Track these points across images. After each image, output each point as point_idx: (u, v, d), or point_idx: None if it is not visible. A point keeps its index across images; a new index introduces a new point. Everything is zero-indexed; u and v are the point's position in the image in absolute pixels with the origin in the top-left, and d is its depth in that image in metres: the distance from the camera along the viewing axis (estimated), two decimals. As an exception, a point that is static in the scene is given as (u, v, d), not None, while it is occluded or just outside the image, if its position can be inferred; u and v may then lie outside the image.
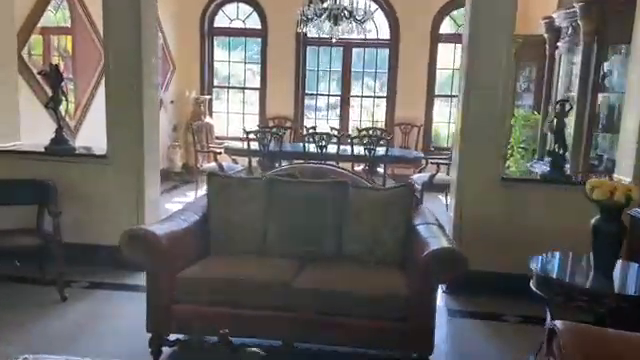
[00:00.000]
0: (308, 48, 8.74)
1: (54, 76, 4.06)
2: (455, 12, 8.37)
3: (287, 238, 3.22)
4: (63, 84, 4.14)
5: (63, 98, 4.16)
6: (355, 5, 6.07)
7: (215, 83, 9.10)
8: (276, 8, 8.44)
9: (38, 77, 4.97)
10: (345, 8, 6.04)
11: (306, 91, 8.90)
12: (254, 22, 8.80)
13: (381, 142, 5.99)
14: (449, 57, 8.60)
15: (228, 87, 9.21)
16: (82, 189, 4.13)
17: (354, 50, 8.73)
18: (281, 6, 8.37)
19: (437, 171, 6.18)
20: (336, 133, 6.59)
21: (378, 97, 8.89)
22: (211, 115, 8.76)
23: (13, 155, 4.20)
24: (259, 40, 8.85)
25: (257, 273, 2.92)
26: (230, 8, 8.87)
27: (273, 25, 8.57)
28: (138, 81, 4.04)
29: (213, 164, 6.64)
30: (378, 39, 8.55)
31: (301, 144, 6.44)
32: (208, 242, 3.27)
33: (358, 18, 6.02)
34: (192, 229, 3.18)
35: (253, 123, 9.27)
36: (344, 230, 3.20)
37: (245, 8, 8.80)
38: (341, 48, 8.74)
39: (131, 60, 4.01)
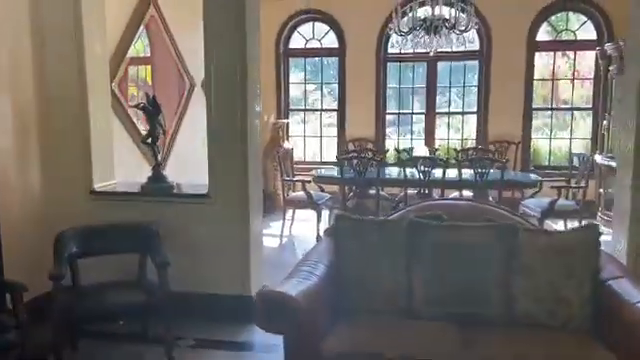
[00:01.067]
0: (389, 65, 8.20)
1: (152, 108, 3.70)
2: (553, 17, 7.62)
3: (439, 297, 2.64)
4: (160, 117, 3.78)
5: (161, 132, 3.80)
6: (456, 14, 5.49)
7: (291, 106, 8.72)
8: (354, 25, 8.00)
9: (129, 110, 4.67)
10: (445, 19, 5.47)
11: (387, 110, 8.35)
12: (331, 41, 8.39)
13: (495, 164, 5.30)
14: (548, 67, 7.85)
15: (305, 109, 8.81)
16: (183, 232, 3.72)
17: (439, 64, 8.12)
18: (359, 22, 7.94)
19: (558, 196, 5.42)
20: (442, 156, 5.98)
21: (467, 113, 8.21)
22: (288, 140, 8.36)
23: (110, 196, 3.86)
24: (336, 60, 8.42)
25: (410, 346, 2.35)
26: (305, 28, 8.51)
27: (351, 43, 8.12)
28: (242, 110, 3.62)
29: (301, 193, 6.17)
30: (466, 50, 7.88)
31: (397, 169, 5.89)
32: (339, 298, 2.74)
33: (461, 28, 5.42)
34: (323, 284, 2.66)
35: (332, 146, 8.83)
36: (513, 286, 2.58)
37: (321, 27, 8.41)
38: (425, 63, 8.16)
39: (235, 89, 3.60)
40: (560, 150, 7.98)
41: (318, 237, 6.05)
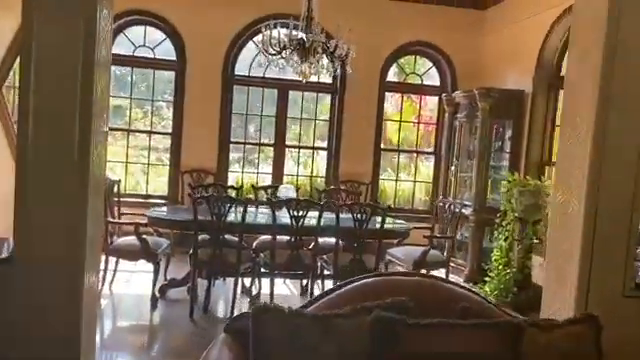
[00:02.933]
0: (235, 88, 7.21)
1: None
2: (403, 60, 7.59)
3: None
4: None
5: None
6: (335, 40, 4.83)
7: (110, 124, 7.05)
8: (197, 37, 6.84)
9: None
10: (324, 42, 4.76)
11: (232, 138, 7.31)
12: (165, 51, 7.07)
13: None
14: (397, 107, 7.78)
15: (128, 130, 7.22)
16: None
17: (291, 93, 7.42)
18: (203, 35, 6.82)
19: (430, 244, 5.04)
20: (321, 199, 5.15)
21: (318, 148, 7.64)
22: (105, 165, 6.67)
23: None
24: (172, 74, 7.11)
25: None
26: (136, 31, 7.03)
27: (194, 57, 6.93)
28: (84, 128, 2.29)
29: (131, 239, 4.71)
30: (319, 82, 7.37)
31: (266, 212, 4.91)
32: None
33: (340, 53, 4.77)
34: None
35: (162, 178, 7.40)
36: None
37: (156, 33, 7.04)
38: (275, 90, 7.38)
39: (74, 98, 2.25)
40: (404, 192, 7.91)
41: (154, 298, 4.66)
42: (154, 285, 4.68)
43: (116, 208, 5.09)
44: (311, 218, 4.50)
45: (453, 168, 6.79)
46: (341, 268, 4.59)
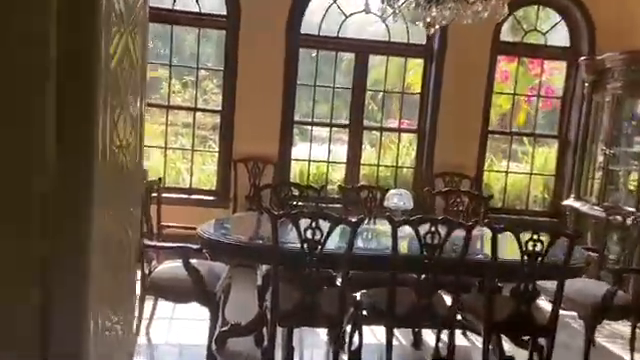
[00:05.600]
0: (301, 52, 5.55)
1: None
2: (520, 12, 5.76)
3: None
4: None
5: None
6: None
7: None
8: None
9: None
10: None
11: (297, 117, 5.69)
12: (213, 5, 5.48)
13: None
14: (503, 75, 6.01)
15: (168, 107, 5.66)
16: None
17: (372, 58, 5.73)
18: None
19: (617, 285, 3.34)
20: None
21: (406, 130, 5.97)
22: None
23: None
24: (222, 34, 5.51)
25: None
26: (175, -22, 5.43)
27: (248, 8, 5.29)
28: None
29: (175, 267, 3.18)
30: (409, 44, 5.66)
31: (370, 230, 3.31)
32: None
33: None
34: None
35: (207, 168, 5.92)
36: None
37: (201, -20, 5.43)
38: (352, 55, 5.71)
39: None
40: (513, 187, 6.19)
41: (211, 355, 3.16)
42: (211, 336, 3.18)
43: (155, 216, 3.58)
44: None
45: (602, 159, 5.00)
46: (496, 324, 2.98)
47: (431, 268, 2.89)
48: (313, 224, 2.73)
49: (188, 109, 5.78)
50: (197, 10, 5.40)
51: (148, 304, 3.37)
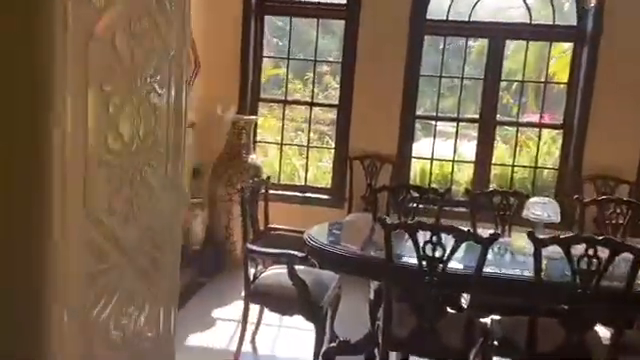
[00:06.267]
0: (425, 39, 5.04)
1: None
2: None
3: None
4: None
5: None
6: None
7: (262, 95, 5.43)
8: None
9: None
10: None
11: (418, 112, 5.20)
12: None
13: None
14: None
15: (284, 101, 5.52)
16: None
17: (508, 43, 5.04)
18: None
19: None
20: None
21: (548, 126, 5.19)
22: (255, 149, 5.08)
23: None
24: (341, 24, 5.21)
25: None
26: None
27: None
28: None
29: (282, 272, 2.93)
30: (555, 24, 4.88)
31: (502, 244, 2.77)
32: None
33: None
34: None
35: (326, 162, 5.68)
36: None
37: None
38: (484, 42, 5.07)
39: None
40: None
41: (316, 371, 2.87)
42: (317, 352, 2.89)
43: (262, 219, 3.39)
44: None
45: None
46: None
47: (586, 299, 2.29)
48: (434, 238, 2.29)
49: (305, 104, 5.58)
50: (316, 0, 5.16)
51: (255, 309, 3.18)
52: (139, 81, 1.38)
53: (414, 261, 2.37)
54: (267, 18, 5.24)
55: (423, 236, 2.35)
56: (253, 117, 4.96)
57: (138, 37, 1.34)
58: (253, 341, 3.30)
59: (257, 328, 3.29)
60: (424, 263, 2.35)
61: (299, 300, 2.79)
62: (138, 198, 1.43)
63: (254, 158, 4.77)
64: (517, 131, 5.20)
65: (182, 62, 1.59)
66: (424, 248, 2.32)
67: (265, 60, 5.36)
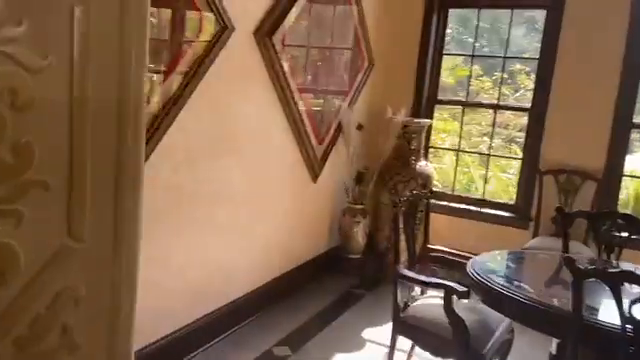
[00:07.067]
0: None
1: None
2: None
3: None
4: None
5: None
6: None
7: (439, 95, 4.94)
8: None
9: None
10: None
11: (635, 119, 4.17)
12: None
13: None
14: None
15: (464, 103, 4.95)
16: None
17: None
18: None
19: None
20: None
21: None
22: (426, 154, 4.63)
23: None
24: (542, 15, 4.45)
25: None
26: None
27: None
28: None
29: (438, 304, 2.47)
30: None
31: None
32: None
33: None
34: None
35: (510, 174, 4.97)
36: None
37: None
38: None
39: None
40: None
41: None
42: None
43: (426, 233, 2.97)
44: None
45: None
46: None
47: None
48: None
49: (489, 107, 4.93)
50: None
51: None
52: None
53: (615, 321, 1.74)
54: (451, 11, 4.74)
55: (629, 289, 1.70)
56: (426, 120, 4.52)
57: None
58: (404, 370, 2.90)
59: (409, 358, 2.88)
60: (629, 327, 1.69)
61: (455, 342, 2.32)
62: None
63: (423, 165, 4.34)
64: None
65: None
66: (631, 308, 1.68)
67: (449, 59, 4.88)
